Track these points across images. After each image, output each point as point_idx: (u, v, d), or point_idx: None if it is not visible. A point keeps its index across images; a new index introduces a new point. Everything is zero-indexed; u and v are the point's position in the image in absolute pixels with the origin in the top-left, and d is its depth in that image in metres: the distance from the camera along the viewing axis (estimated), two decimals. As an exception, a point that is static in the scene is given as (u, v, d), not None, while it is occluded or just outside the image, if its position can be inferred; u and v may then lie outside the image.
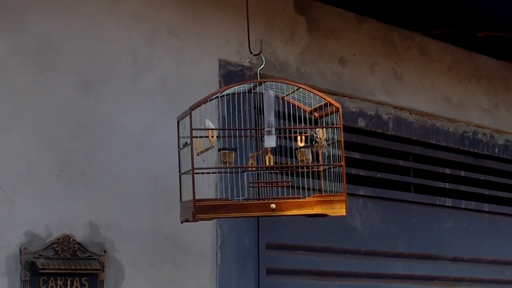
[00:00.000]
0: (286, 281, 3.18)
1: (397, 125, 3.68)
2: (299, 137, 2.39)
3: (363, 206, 3.48)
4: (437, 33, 3.83)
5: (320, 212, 2.33)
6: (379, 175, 3.58)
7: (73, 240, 2.56)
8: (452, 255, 3.82)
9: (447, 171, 3.90)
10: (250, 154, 2.44)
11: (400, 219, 3.63)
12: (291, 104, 2.51)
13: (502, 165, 4.20)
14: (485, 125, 4.10)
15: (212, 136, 2.29)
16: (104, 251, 2.62)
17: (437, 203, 3.79)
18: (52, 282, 2.51)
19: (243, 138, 2.49)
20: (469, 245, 3.89)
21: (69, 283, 2.54)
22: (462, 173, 3.97)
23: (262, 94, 2.38)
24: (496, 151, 4.16)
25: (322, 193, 2.38)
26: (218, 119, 2.88)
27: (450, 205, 3.84)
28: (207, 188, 2.40)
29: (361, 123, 3.53)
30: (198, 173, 2.31)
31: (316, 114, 2.48)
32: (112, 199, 2.67)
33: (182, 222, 2.41)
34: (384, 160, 3.63)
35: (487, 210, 4.02)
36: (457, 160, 3.96)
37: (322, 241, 3.31)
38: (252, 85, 2.42)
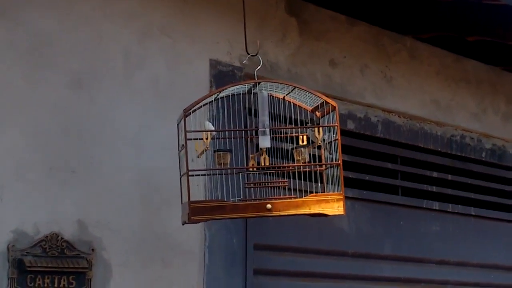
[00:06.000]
0: (273, 281, 3.18)
1: (385, 128, 3.69)
2: (300, 137, 2.39)
3: (351, 208, 3.48)
4: (427, 37, 3.84)
5: (318, 212, 2.31)
6: (367, 178, 3.59)
7: (61, 238, 2.56)
8: (439, 258, 3.84)
9: (435, 174, 3.91)
10: (251, 155, 2.43)
11: (387, 222, 3.64)
12: (287, 105, 2.50)
13: (489, 169, 4.22)
14: (472, 129, 4.12)
15: (207, 138, 2.28)
16: (92, 249, 2.62)
17: (424, 206, 3.81)
18: (39, 280, 2.50)
19: (238, 139, 2.48)
20: (456, 248, 3.90)
21: (56, 281, 2.53)
22: (449, 177, 3.98)
23: (256, 94, 2.38)
24: (483, 155, 4.17)
25: (319, 193, 2.35)
26: (210, 120, 2.88)
27: (437, 208, 3.86)
28: (203, 190, 2.40)
29: (350, 125, 3.54)
30: (197, 175, 2.30)
31: (317, 113, 2.47)
32: (102, 198, 2.66)
33: (183, 224, 2.40)
34: (372, 162, 3.64)
35: (473, 213, 4.04)
36: (444, 164, 3.97)
37: (309, 243, 3.31)
38: (250, 86, 2.41)
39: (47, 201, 2.55)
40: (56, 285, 2.52)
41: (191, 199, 2.26)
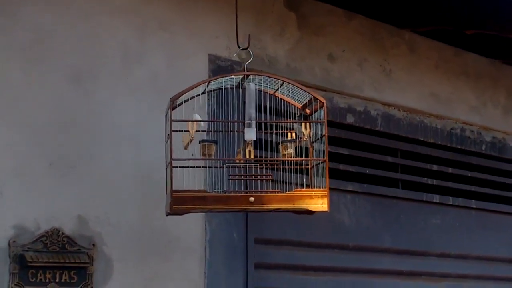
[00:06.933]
0: (274, 275, 3.19)
1: (385, 121, 3.70)
2: (289, 134, 2.38)
3: (351, 201, 3.49)
4: (426, 30, 3.84)
5: (301, 207, 2.29)
6: (367, 171, 3.59)
7: (62, 233, 2.57)
8: (439, 251, 3.84)
9: (435, 167, 3.91)
10: (237, 150, 2.42)
11: (388, 215, 3.64)
12: (279, 99, 2.49)
13: (489, 162, 4.22)
14: (472, 122, 4.12)
15: (192, 128, 2.28)
16: (93, 244, 2.62)
17: (425, 199, 3.81)
18: (40, 275, 2.51)
19: (230, 132, 2.48)
20: (456, 241, 3.91)
21: (58, 276, 2.54)
22: (450, 170, 3.99)
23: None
24: (483, 148, 4.18)
25: (304, 188, 2.33)
26: (208, 114, 2.89)
27: (438, 201, 3.86)
28: (195, 182, 2.40)
29: (350, 119, 3.55)
30: (180, 167, 2.30)
31: (307, 111, 2.47)
32: (102, 193, 2.67)
33: (166, 215, 2.40)
34: (372, 156, 3.64)
35: (474, 206, 4.04)
36: (444, 157, 3.98)
37: (310, 236, 3.32)
38: (240, 79, 2.41)
39: (47, 196, 2.56)
40: (57, 280, 2.54)
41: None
